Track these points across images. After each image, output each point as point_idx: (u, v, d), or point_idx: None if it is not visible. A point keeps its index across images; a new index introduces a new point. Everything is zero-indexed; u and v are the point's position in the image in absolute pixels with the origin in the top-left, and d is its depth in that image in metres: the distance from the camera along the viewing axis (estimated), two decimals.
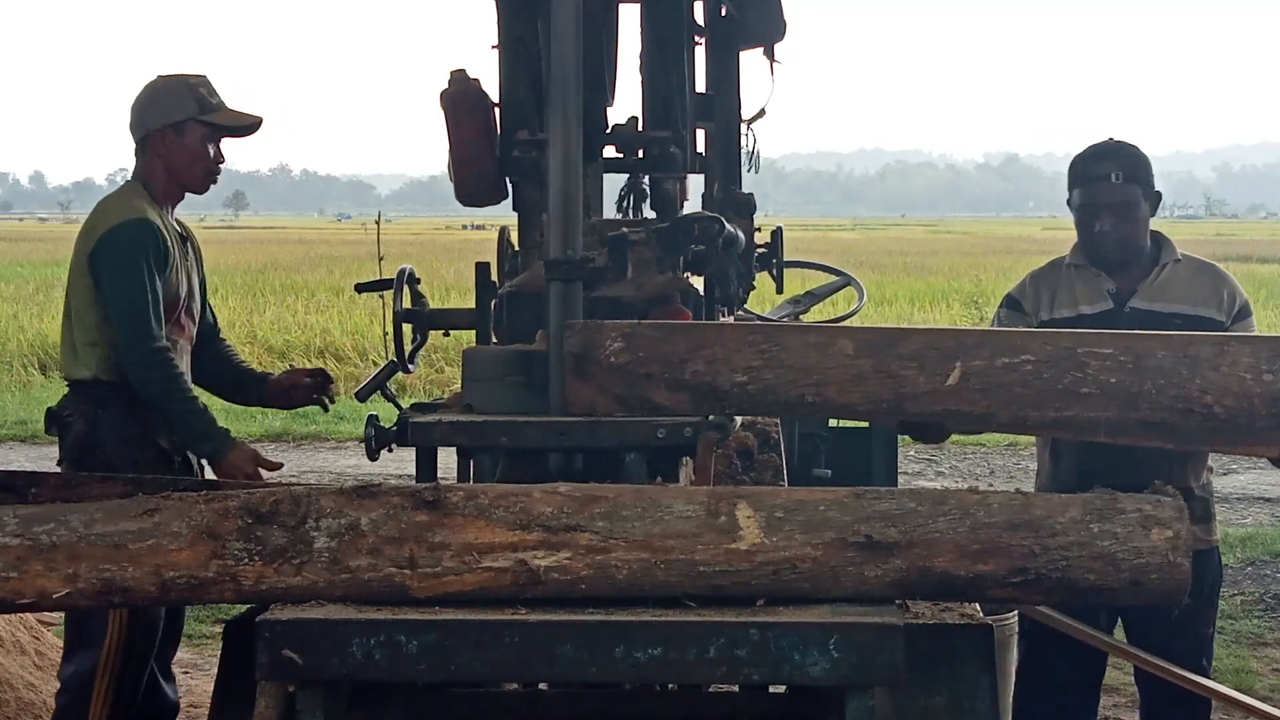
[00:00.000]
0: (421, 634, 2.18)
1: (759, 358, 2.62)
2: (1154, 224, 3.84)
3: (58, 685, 4.00)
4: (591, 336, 2.70)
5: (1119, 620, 3.92)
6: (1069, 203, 3.78)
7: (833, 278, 4.97)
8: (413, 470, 3.05)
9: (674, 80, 3.64)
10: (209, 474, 3.87)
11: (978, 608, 2.61)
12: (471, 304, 3.49)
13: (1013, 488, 2.49)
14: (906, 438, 4.22)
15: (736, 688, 2.88)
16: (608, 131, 3.53)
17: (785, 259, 4.32)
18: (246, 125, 4.01)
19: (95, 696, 3.76)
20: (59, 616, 4.89)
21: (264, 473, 3.83)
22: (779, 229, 4.33)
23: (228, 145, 3.99)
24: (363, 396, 3.67)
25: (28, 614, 4.77)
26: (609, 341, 2.68)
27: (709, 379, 2.63)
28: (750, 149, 4.25)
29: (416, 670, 2.20)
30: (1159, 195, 3.78)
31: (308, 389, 4.21)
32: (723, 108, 4.13)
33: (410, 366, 3.59)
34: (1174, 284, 3.72)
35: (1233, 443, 2.69)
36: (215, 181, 4.02)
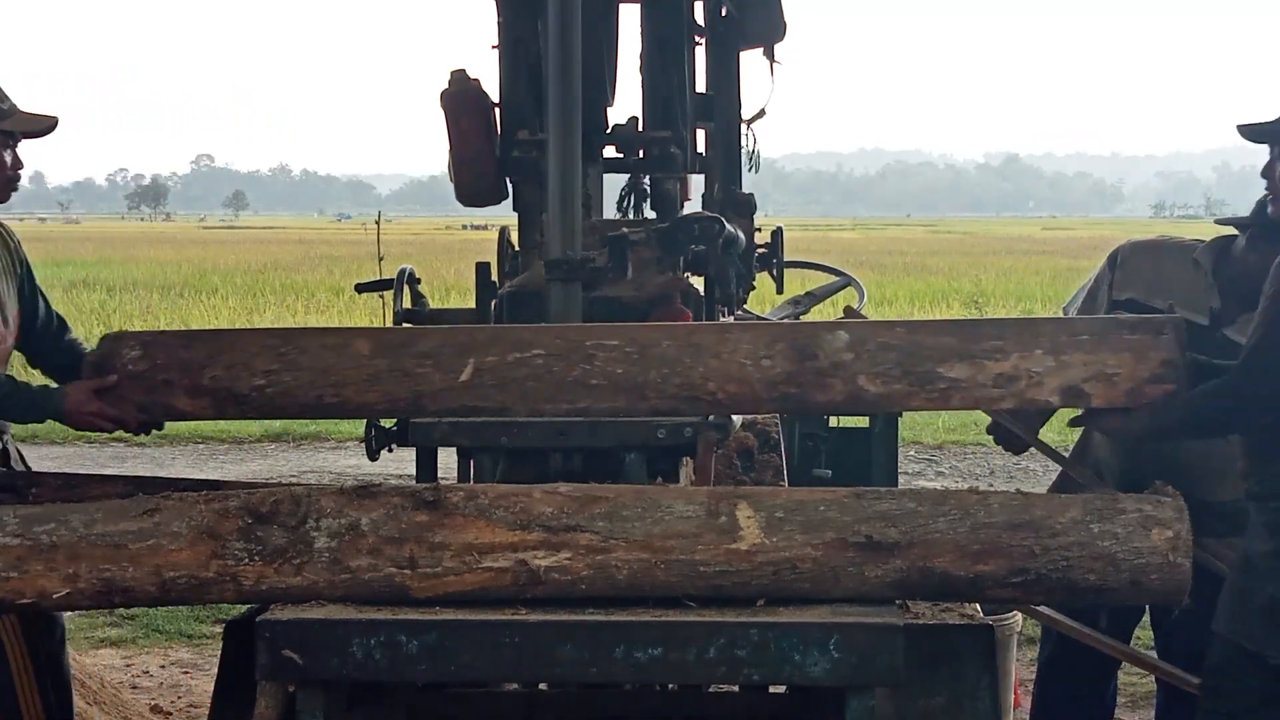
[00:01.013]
0: (421, 634, 2.18)
1: (277, 361, 2.67)
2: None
3: None
4: (111, 347, 2.79)
5: (1144, 616, 3.89)
6: None
7: (833, 278, 4.97)
8: (413, 470, 3.05)
9: (674, 80, 3.64)
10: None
11: (978, 608, 2.61)
12: (471, 304, 3.49)
13: (1013, 488, 2.49)
14: (908, 437, 4.20)
15: (736, 688, 2.88)
16: (608, 131, 3.53)
17: (785, 259, 4.32)
18: (40, 129, 3.65)
19: (24, 708, 3.47)
20: None
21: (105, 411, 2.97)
22: (779, 229, 4.33)
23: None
24: None
25: None
26: (127, 350, 2.76)
27: (228, 384, 2.69)
28: (750, 149, 4.25)
29: (416, 670, 2.20)
30: None
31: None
32: (723, 108, 4.13)
33: None
34: None
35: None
36: (16, 189, 3.68)
